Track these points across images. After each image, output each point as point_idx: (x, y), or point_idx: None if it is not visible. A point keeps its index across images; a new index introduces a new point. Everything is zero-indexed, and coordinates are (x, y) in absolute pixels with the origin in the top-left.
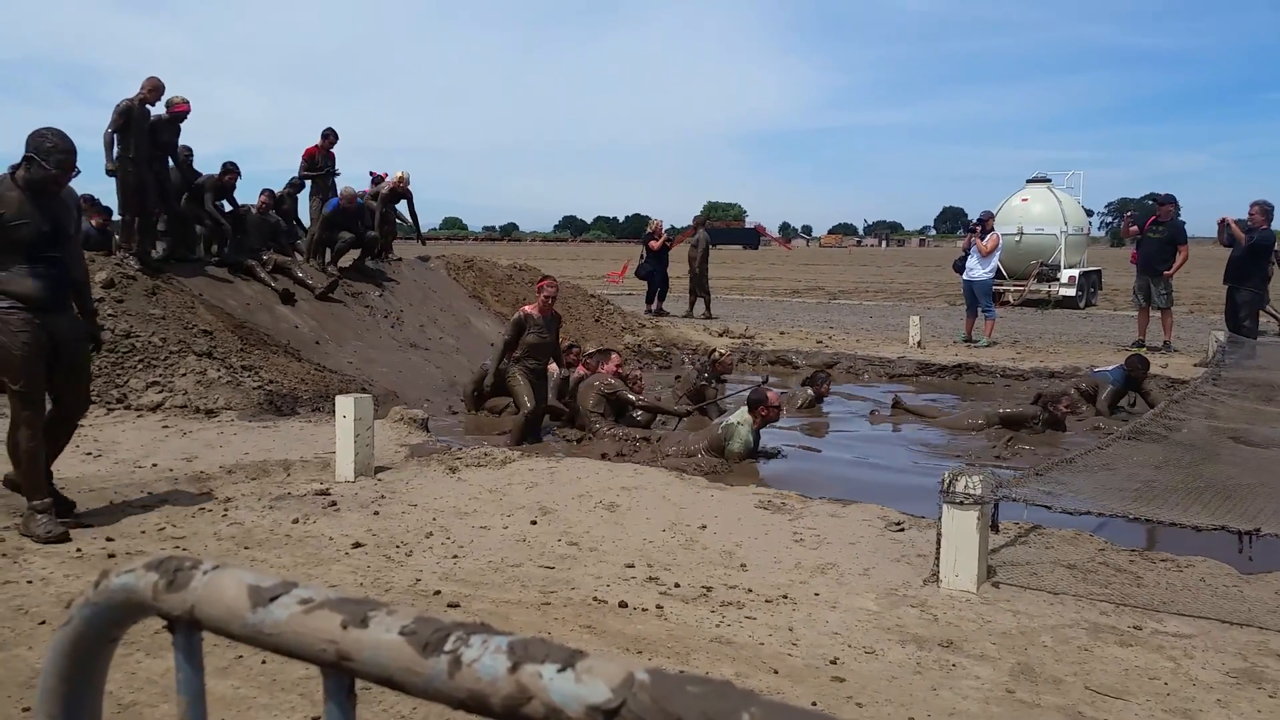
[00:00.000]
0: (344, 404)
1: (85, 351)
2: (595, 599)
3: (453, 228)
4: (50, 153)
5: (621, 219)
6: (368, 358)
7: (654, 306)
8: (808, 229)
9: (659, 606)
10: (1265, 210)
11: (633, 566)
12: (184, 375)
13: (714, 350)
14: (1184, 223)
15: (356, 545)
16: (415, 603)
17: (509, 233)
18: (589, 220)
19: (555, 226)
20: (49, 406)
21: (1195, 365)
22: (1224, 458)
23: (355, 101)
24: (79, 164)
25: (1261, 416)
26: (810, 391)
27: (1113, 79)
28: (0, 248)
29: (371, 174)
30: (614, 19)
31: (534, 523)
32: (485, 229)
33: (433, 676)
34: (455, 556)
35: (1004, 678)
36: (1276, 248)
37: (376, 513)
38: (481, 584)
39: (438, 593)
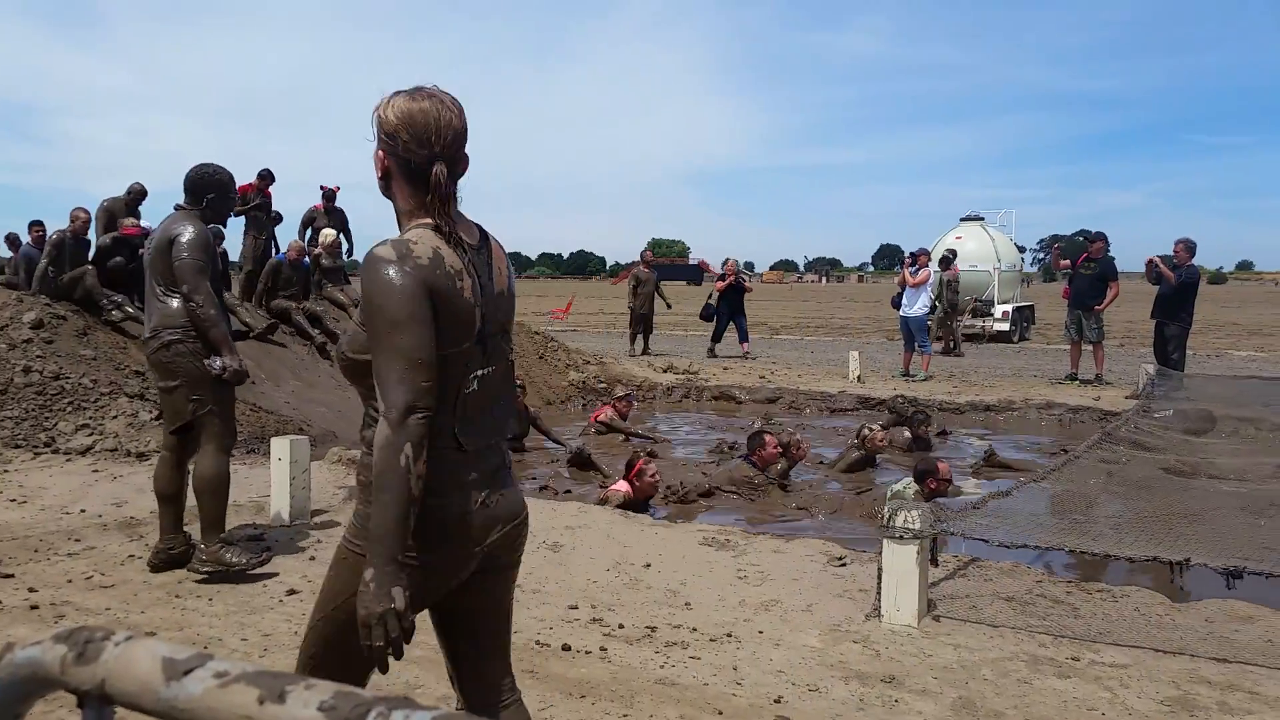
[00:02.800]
0: (279, 446)
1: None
2: (538, 643)
3: None
4: (231, 184)
5: (566, 255)
6: (306, 397)
7: (745, 349)
8: (750, 265)
9: (603, 649)
10: (1189, 248)
11: (576, 608)
12: (115, 417)
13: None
14: (1114, 259)
15: (291, 592)
16: None
17: None
18: (533, 256)
19: None
20: None
21: (1126, 398)
22: (1155, 488)
23: (299, 136)
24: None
25: (1190, 447)
26: (907, 434)
27: (1046, 120)
28: None
29: (322, 189)
30: (561, 57)
31: None
32: None
33: None
34: None
35: (946, 712)
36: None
37: (313, 558)
38: (419, 630)
39: None
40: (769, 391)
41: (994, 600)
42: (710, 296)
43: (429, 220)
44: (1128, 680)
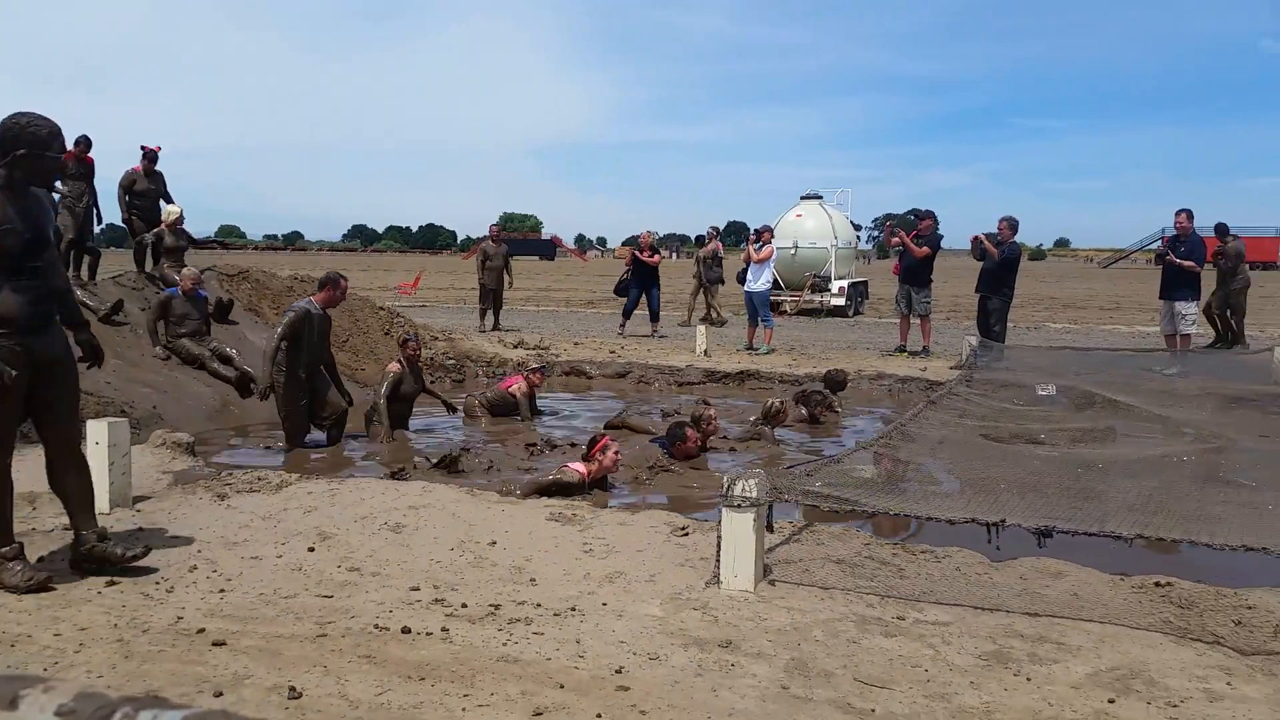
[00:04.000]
0: (96, 429)
1: (73, 372)
2: (377, 626)
3: (229, 235)
4: (49, 141)
5: (415, 229)
6: (129, 377)
7: (655, 329)
8: (602, 240)
9: (444, 629)
10: (1012, 225)
11: (418, 589)
12: None
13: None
14: (942, 236)
15: (111, 583)
16: (176, 643)
17: (293, 241)
18: (380, 230)
19: (344, 235)
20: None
21: (951, 368)
22: (975, 453)
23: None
24: None
25: (1009, 415)
26: (803, 410)
27: (883, 102)
28: None
29: (143, 149)
30: (407, 25)
31: (311, 549)
32: (266, 237)
33: None
34: (222, 591)
35: (779, 674)
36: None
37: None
38: (251, 618)
39: (201, 630)
40: (619, 366)
41: (825, 563)
42: (624, 273)
43: None
44: (949, 637)
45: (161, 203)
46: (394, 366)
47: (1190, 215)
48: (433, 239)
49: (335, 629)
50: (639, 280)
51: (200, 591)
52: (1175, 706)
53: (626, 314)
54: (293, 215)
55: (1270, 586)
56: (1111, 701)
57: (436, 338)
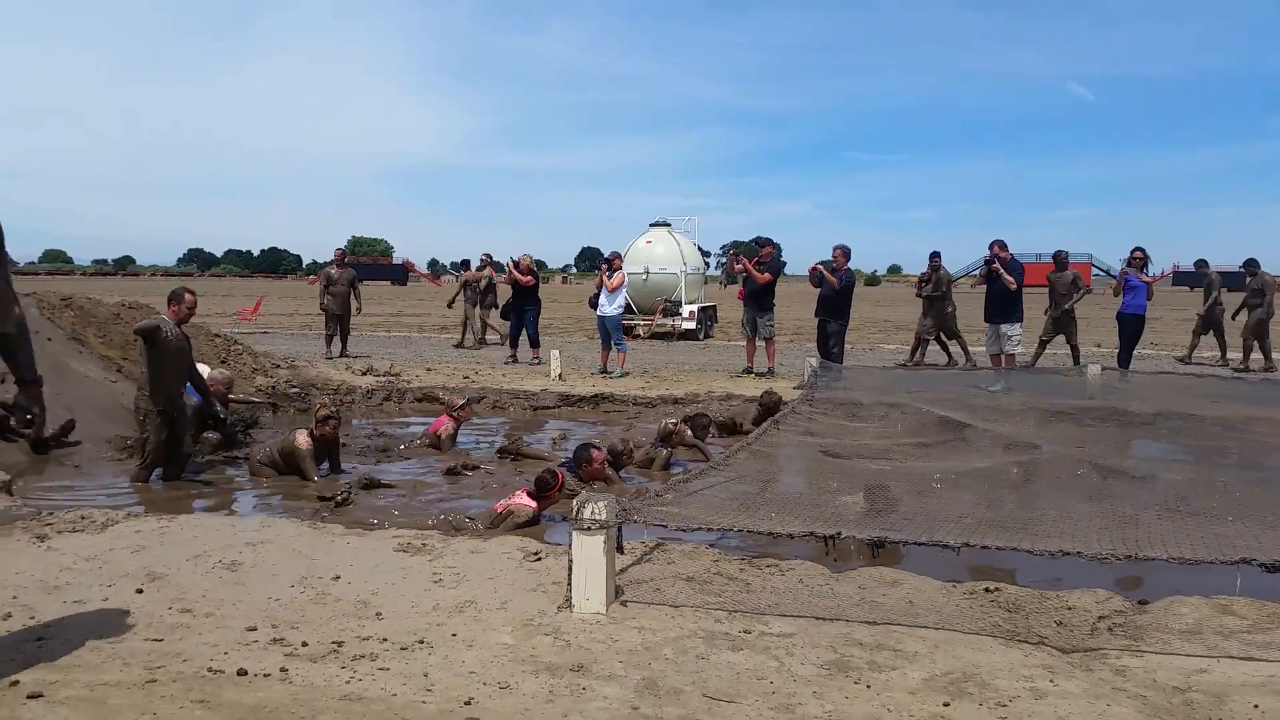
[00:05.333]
0: None
1: None
2: (211, 669)
3: (55, 261)
4: None
5: (257, 252)
6: None
7: (535, 355)
8: (456, 265)
9: (283, 669)
10: (846, 253)
11: (255, 629)
12: None
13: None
14: (784, 263)
15: None
16: None
17: (124, 266)
18: (219, 254)
19: (180, 259)
20: None
21: (794, 388)
22: (816, 469)
23: None
24: None
25: (847, 431)
26: (689, 432)
27: (728, 134)
28: None
29: None
30: (248, 44)
31: (140, 591)
32: (96, 262)
33: None
34: (40, 639)
35: (630, 695)
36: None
37: None
38: (73, 667)
39: (15, 683)
40: (472, 391)
41: (676, 581)
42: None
43: None
44: (793, 648)
45: None
46: (303, 441)
47: (1004, 245)
48: (276, 263)
49: (165, 674)
50: (516, 304)
51: (15, 641)
52: (1005, 706)
53: (513, 341)
54: (124, 239)
55: (1087, 588)
56: (946, 705)
57: (278, 365)
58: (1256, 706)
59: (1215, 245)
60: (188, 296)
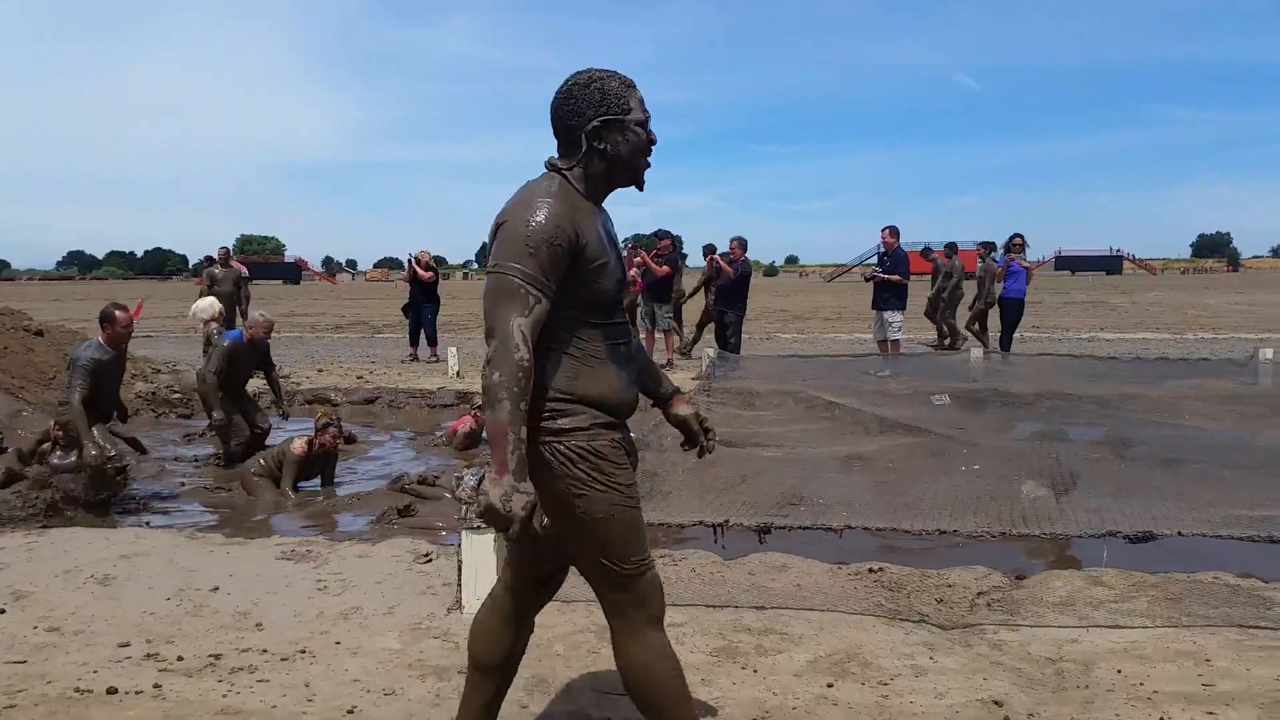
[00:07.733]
0: None
1: None
2: (78, 690)
3: None
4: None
5: (140, 254)
6: None
7: (433, 352)
8: (353, 263)
9: (156, 685)
10: (743, 244)
11: (128, 645)
12: None
13: None
14: (685, 255)
15: None
16: None
17: None
18: (101, 256)
19: (59, 263)
20: None
21: (693, 379)
22: (708, 458)
23: None
24: None
25: (741, 420)
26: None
27: None
28: None
29: None
30: (127, 41)
31: (2, 611)
32: None
33: None
34: None
35: (519, 694)
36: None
37: None
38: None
39: None
40: (366, 392)
41: (569, 576)
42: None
43: None
44: (683, 637)
45: None
46: (297, 447)
47: (895, 231)
48: (161, 264)
49: (28, 697)
50: (414, 301)
51: None
52: (886, 685)
53: (412, 339)
54: None
55: (966, 565)
56: (830, 685)
57: (159, 370)
58: (1119, 672)
59: (1097, 230)
60: (118, 314)
